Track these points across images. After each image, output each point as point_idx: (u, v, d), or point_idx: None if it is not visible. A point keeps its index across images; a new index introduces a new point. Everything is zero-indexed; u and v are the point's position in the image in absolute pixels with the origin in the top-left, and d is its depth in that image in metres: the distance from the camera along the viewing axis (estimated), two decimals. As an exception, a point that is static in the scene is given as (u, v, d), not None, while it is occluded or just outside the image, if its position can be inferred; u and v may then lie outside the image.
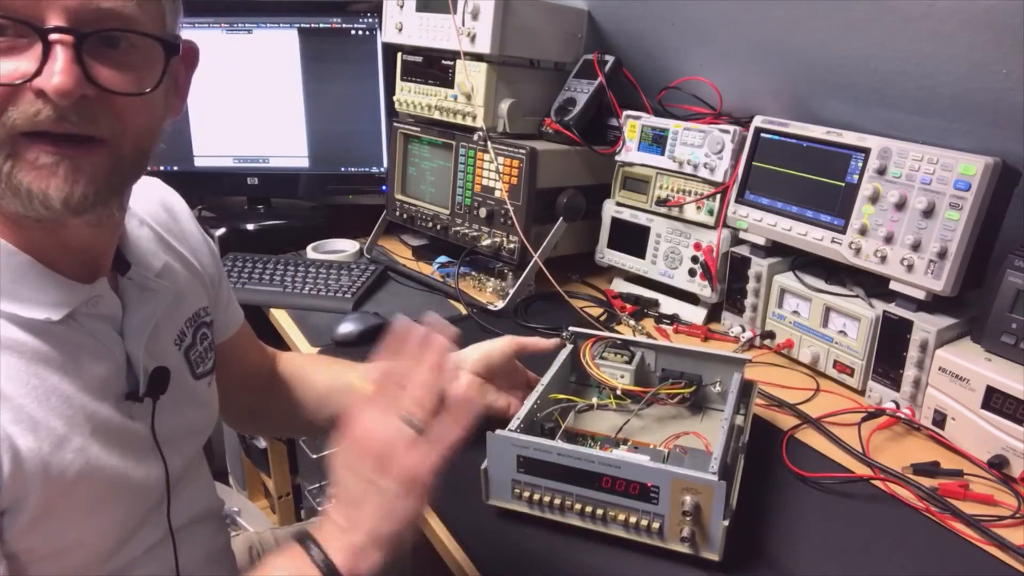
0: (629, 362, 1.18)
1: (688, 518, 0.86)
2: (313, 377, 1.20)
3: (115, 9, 0.66)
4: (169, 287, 0.89)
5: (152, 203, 0.96)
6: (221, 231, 1.96)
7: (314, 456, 1.71)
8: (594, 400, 1.17)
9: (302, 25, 1.97)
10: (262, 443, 2.10)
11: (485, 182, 1.72)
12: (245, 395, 1.18)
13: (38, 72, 0.63)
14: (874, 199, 1.27)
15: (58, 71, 0.63)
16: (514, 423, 0.98)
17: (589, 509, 0.92)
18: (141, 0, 0.68)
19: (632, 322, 1.59)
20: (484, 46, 1.64)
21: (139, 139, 0.72)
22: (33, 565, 0.72)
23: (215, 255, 1.06)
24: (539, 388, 1.08)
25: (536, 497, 0.94)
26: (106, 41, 0.67)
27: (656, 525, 0.89)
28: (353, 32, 1.98)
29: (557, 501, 0.93)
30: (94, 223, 0.75)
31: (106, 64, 0.67)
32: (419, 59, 1.82)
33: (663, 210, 1.62)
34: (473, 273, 1.82)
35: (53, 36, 0.63)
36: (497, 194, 1.69)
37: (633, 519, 0.90)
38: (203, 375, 0.97)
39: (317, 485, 1.81)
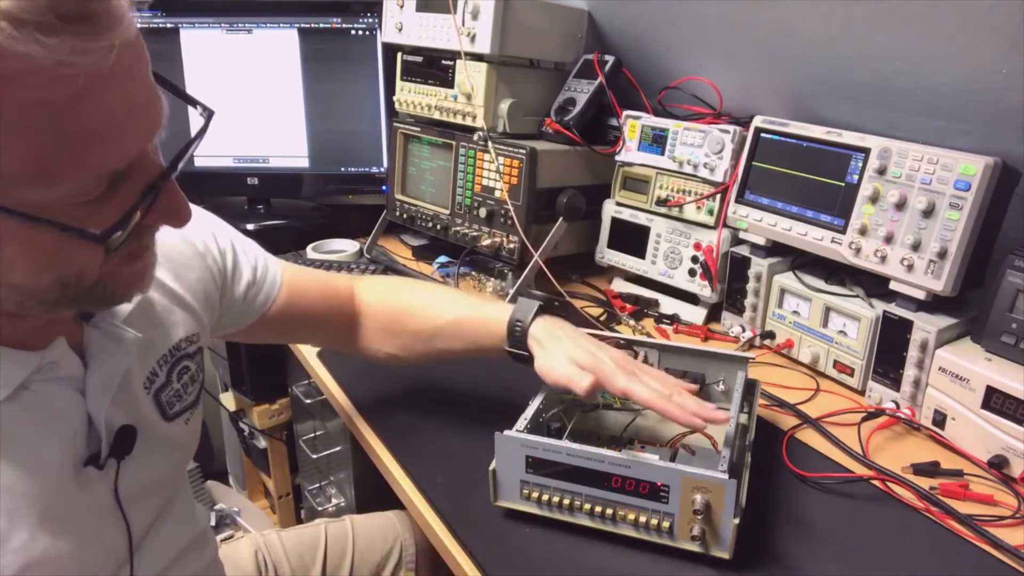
0: (633, 362, 1.19)
1: (699, 517, 0.87)
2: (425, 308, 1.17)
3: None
4: (137, 335, 0.80)
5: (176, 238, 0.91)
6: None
7: (314, 456, 1.71)
8: (599, 400, 1.17)
9: (302, 25, 1.97)
10: (262, 443, 2.10)
11: (485, 182, 1.72)
12: (337, 328, 1.18)
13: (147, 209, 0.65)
14: (874, 199, 1.28)
15: (183, 203, 0.69)
16: (521, 423, 0.99)
17: (599, 509, 0.92)
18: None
19: (632, 322, 1.59)
20: (484, 46, 1.64)
21: None
22: None
23: (217, 255, 1.00)
24: (544, 388, 1.09)
25: (545, 497, 0.95)
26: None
27: (666, 524, 0.89)
28: (353, 32, 1.98)
29: (566, 501, 0.93)
30: None
31: None
32: (419, 59, 1.82)
33: (663, 210, 1.63)
34: (473, 273, 1.83)
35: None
36: (497, 194, 1.69)
37: (643, 519, 0.90)
38: (178, 414, 0.89)
39: (317, 485, 1.81)
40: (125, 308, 0.80)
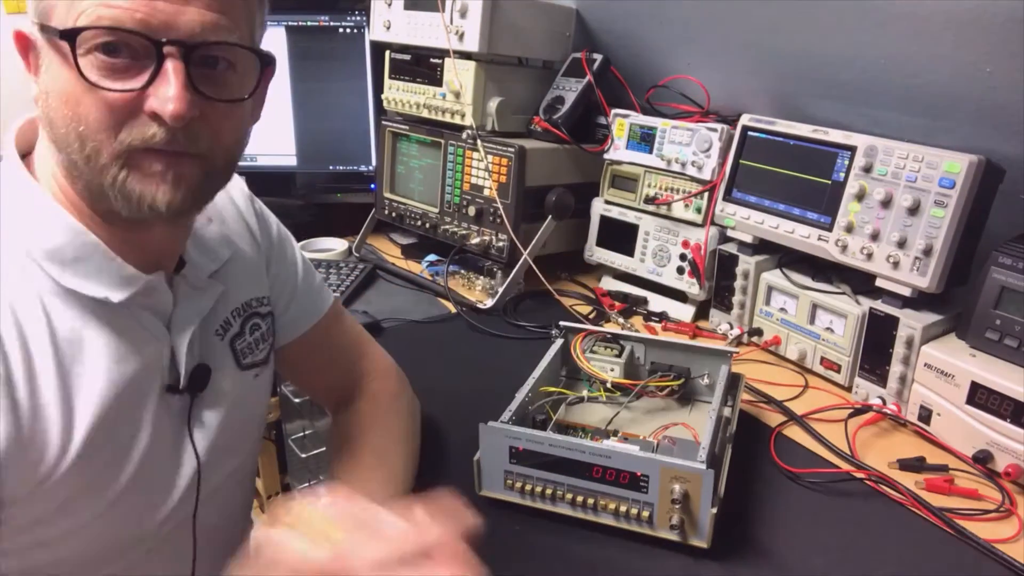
0: (619, 355, 1.19)
1: (677, 506, 0.87)
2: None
3: (220, 25, 0.71)
4: (218, 286, 0.90)
5: (224, 197, 0.97)
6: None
7: (303, 456, 1.71)
8: (584, 393, 1.18)
9: (290, 23, 1.97)
10: (250, 442, 2.09)
11: (474, 180, 1.72)
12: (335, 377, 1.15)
13: (148, 83, 0.69)
14: (860, 197, 1.28)
15: (173, 96, 0.68)
16: (506, 415, 0.99)
17: (580, 498, 0.93)
18: (239, 18, 0.73)
19: (621, 319, 1.59)
20: (473, 44, 1.64)
21: (229, 151, 0.78)
22: (40, 549, 0.75)
23: (279, 244, 1.06)
24: (530, 381, 1.09)
25: (528, 487, 0.95)
26: (206, 62, 0.72)
27: (646, 513, 0.90)
28: (341, 30, 1.98)
29: (548, 491, 0.94)
30: (174, 226, 0.82)
31: (208, 85, 0.72)
32: (407, 57, 1.82)
33: (651, 208, 1.63)
34: (462, 271, 1.83)
35: (168, 48, 0.68)
36: (486, 192, 1.69)
37: (623, 508, 0.91)
38: (250, 366, 0.96)
39: (306, 484, 1.81)
40: (211, 266, 0.90)
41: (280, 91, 2.01)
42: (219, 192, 0.83)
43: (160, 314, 0.83)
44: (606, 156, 1.70)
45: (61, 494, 0.74)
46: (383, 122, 1.92)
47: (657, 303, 1.67)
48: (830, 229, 1.33)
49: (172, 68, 0.69)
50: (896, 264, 1.23)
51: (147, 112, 0.69)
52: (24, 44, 0.73)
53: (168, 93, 0.68)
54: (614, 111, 1.69)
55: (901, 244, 1.23)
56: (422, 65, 1.79)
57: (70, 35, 0.67)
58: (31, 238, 0.74)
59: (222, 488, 0.94)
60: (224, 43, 0.72)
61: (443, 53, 1.70)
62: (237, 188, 1.01)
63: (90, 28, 0.66)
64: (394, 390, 1.13)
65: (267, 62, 0.79)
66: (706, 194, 1.54)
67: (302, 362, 1.11)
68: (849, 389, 1.34)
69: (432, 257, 1.88)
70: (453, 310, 1.64)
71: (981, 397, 1.10)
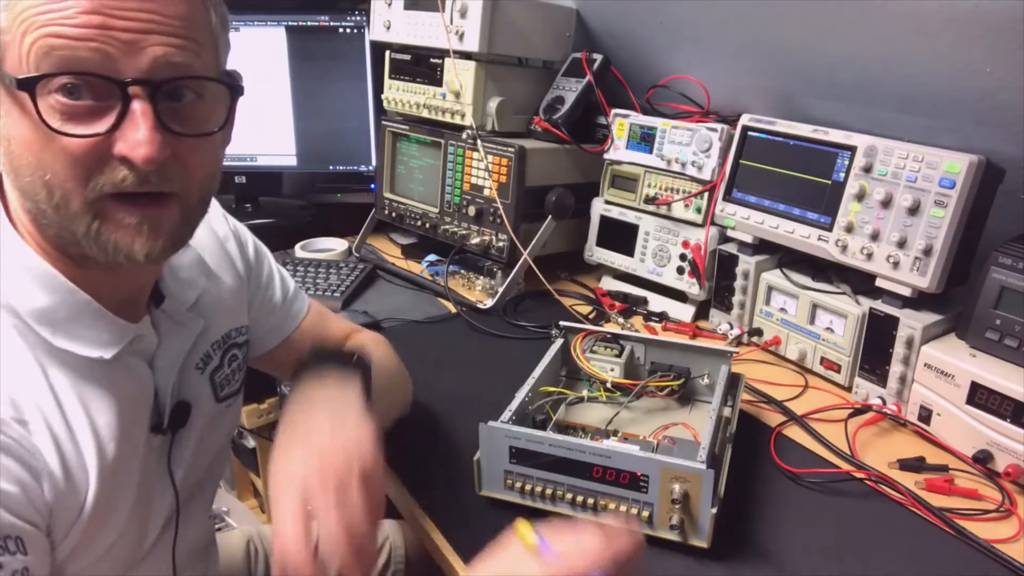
0: (619, 355, 1.19)
1: (677, 506, 0.87)
2: None
3: (184, 63, 0.68)
4: (199, 320, 0.89)
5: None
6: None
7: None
8: (584, 393, 1.18)
9: (290, 23, 1.97)
10: (251, 442, 2.09)
11: (474, 180, 1.72)
12: None
13: (115, 127, 0.66)
14: (860, 197, 1.28)
15: (144, 140, 0.66)
16: (506, 415, 0.99)
17: (580, 498, 0.93)
18: (202, 51, 0.70)
19: (621, 319, 1.59)
20: (473, 44, 1.64)
21: (204, 187, 0.76)
22: None
23: (256, 265, 1.05)
24: (530, 381, 1.09)
25: (528, 487, 0.95)
26: (172, 94, 0.69)
27: (646, 513, 0.90)
28: (341, 30, 1.98)
29: (548, 491, 0.94)
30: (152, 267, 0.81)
31: (176, 120, 0.69)
32: (407, 57, 1.82)
33: (651, 208, 1.63)
34: (462, 271, 1.83)
35: (133, 89, 0.65)
36: (486, 192, 1.69)
37: (623, 508, 0.91)
38: (226, 397, 0.96)
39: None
40: (190, 297, 0.88)
41: (280, 91, 2.01)
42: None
43: (144, 355, 0.82)
44: (606, 156, 1.70)
45: (71, 545, 0.73)
46: (383, 122, 1.92)
47: (657, 303, 1.67)
48: (830, 229, 1.33)
49: (140, 110, 0.66)
50: (896, 264, 1.23)
51: (116, 156, 0.66)
52: None
53: (138, 136, 0.66)
54: (614, 111, 1.69)
55: (901, 244, 1.22)
56: (422, 65, 1.79)
57: (28, 84, 0.63)
58: (19, 297, 0.71)
59: (194, 512, 0.94)
60: (192, 77, 0.69)
61: (443, 53, 1.70)
62: (213, 210, 0.97)
63: (49, 76, 0.63)
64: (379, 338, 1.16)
65: (239, 92, 0.76)
66: (706, 194, 1.54)
67: (286, 360, 1.10)
68: (849, 389, 1.33)
69: (432, 257, 1.88)
70: (453, 310, 1.64)
71: (981, 397, 1.10)
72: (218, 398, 0.94)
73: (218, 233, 0.99)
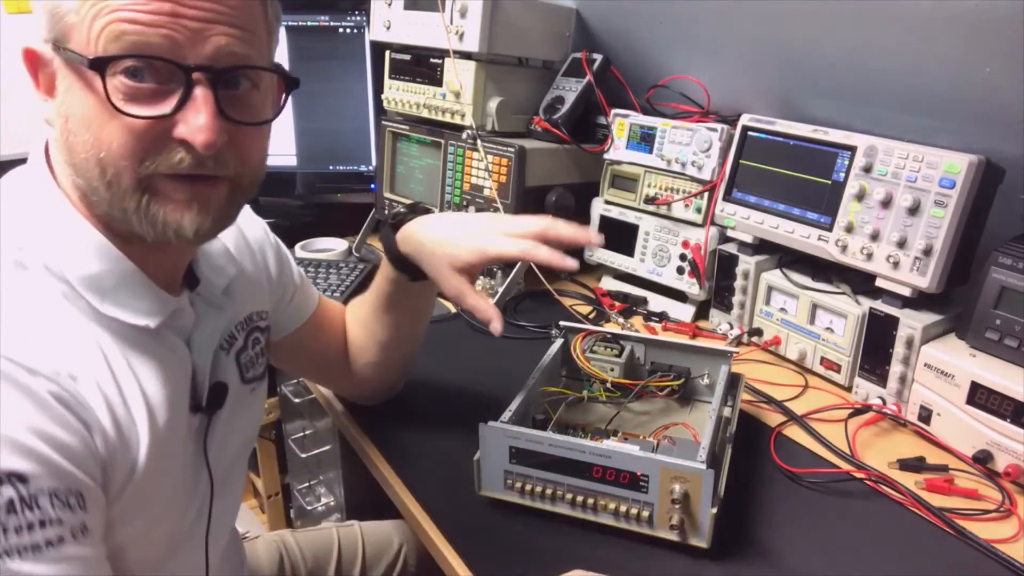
0: (619, 355, 1.19)
1: (677, 506, 0.87)
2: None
3: (243, 53, 0.71)
4: (232, 303, 0.92)
5: None
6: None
7: (303, 455, 1.71)
8: (584, 393, 1.18)
9: (290, 23, 1.96)
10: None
11: (474, 180, 1.72)
12: (333, 369, 1.20)
13: (176, 111, 0.69)
14: (860, 197, 1.28)
15: (205, 126, 0.69)
16: (506, 415, 0.99)
17: (580, 498, 0.93)
18: (259, 42, 0.74)
19: (621, 320, 1.59)
20: (473, 44, 1.64)
21: (255, 173, 0.79)
22: None
23: (280, 257, 1.08)
24: (530, 381, 1.09)
25: (528, 487, 0.95)
26: (230, 83, 0.72)
27: (645, 513, 0.90)
28: (341, 30, 1.97)
29: (548, 491, 0.94)
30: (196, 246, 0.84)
31: (234, 108, 0.72)
32: (407, 57, 1.82)
33: (651, 208, 1.63)
34: (462, 271, 1.82)
35: (197, 75, 0.69)
36: (486, 192, 1.69)
37: (623, 508, 0.91)
38: (251, 380, 0.97)
39: (306, 484, 1.80)
40: (222, 281, 0.90)
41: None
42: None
43: (182, 333, 0.83)
44: (606, 156, 1.70)
45: (122, 508, 0.74)
46: (383, 122, 1.92)
47: (657, 303, 1.67)
48: (830, 229, 1.33)
49: (202, 96, 0.69)
50: (896, 264, 1.23)
51: (175, 139, 0.69)
52: (34, 62, 0.72)
53: (199, 122, 0.69)
54: (614, 111, 1.69)
55: (901, 244, 1.22)
56: (422, 65, 1.79)
57: (99, 64, 0.66)
58: (69, 263, 0.73)
59: (225, 503, 0.95)
60: (251, 67, 0.73)
61: (443, 53, 1.70)
62: (252, 225, 1.04)
63: (120, 57, 0.66)
64: None
65: (294, 86, 0.80)
66: (706, 194, 1.54)
67: (298, 352, 1.15)
68: (849, 389, 1.34)
69: (432, 257, 1.87)
70: (453, 310, 1.63)
71: (981, 397, 1.10)
72: (244, 379, 0.95)
73: (239, 222, 0.99)
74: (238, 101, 0.73)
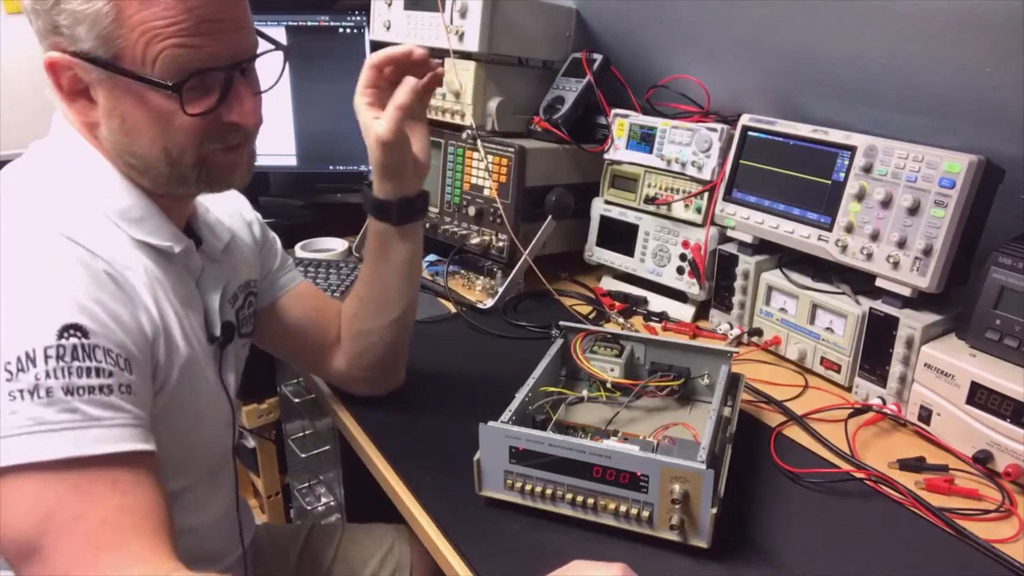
0: (619, 355, 1.19)
1: (677, 506, 0.87)
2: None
3: (253, 43, 0.89)
4: (231, 261, 1.06)
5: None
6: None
7: (303, 455, 1.71)
8: (584, 393, 1.18)
9: (290, 23, 1.97)
10: (251, 442, 2.09)
11: (474, 180, 1.72)
12: (314, 340, 1.24)
13: (220, 101, 0.85)
14: (860, 197, 1.28)
15: (251, 110, 0.89)
16: (506, 415, 0.99)
17: (580, 498, 0.93)
18: (255, 30, 0.90)
19: (621, 319, 1.59)
20: (473, 44, 1.64)
21: (259, 128, 0.95)
22: None
23: (263, 229, 1.20)
24: (530, 381, 1.09)
25: (528, 487, 0.95)
26: (248, 68, 0.90)
27: (646, 513, 0.90)
28: (341, 30, 1.97)
29: (548, 491, 0.94)
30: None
31: (251, 83, 0.91)
32: (408, 57, 1.82)
33: (651, 208, 1.63)
34: (462, 271, 1.83)
35: (235, 72, 0.86)
36: (486, 192, 1.69)
37: (623, 508, 0.91)
38: (245, 335, 1.10)
39: (306, 484, 1.80)
40: (221, 242, 1.04)
41: (280, 91, 1.99)
42: None
43: (192, 275, 0.96)
44: (606, 156, 1.70)
45: (166, 398, 0.87)
46: (383, 122, 1.91)
47: (657, 303, 1.67)
48: (830, 229, 1.33)
49: (242, 86, 0.87)
50: (896, 264, 1.23)
51: (227, 123, 0.87)
52: (58, 71, 0.82)
53: (246, 107, 0.87)
54: (614, 111, 1.69)
55: (901, 244, 1.23)
56: (422, 65, 1.78)
57: (177, 88, 0.81)
58: (104, 200, 0.87)
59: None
60: (264, 52, 0.91)
61: (443, 53, 1.70)
62: (237, 204, 1.16)
63: (188, 79, 0.81)
64: None
65: (289, 52, 0.98)
66: (706, 194, 1.54)
67: (276, 325, 1.21)
68: (849, 389, 1.34)
69: (432, 257, 1.88)
70: (453, 310, 1.64)
71: (981, 397, 1.10)
72: (239, 333, 1.07)
73: (230, 198, 1.14)
74: (252, 76, 0.91)
